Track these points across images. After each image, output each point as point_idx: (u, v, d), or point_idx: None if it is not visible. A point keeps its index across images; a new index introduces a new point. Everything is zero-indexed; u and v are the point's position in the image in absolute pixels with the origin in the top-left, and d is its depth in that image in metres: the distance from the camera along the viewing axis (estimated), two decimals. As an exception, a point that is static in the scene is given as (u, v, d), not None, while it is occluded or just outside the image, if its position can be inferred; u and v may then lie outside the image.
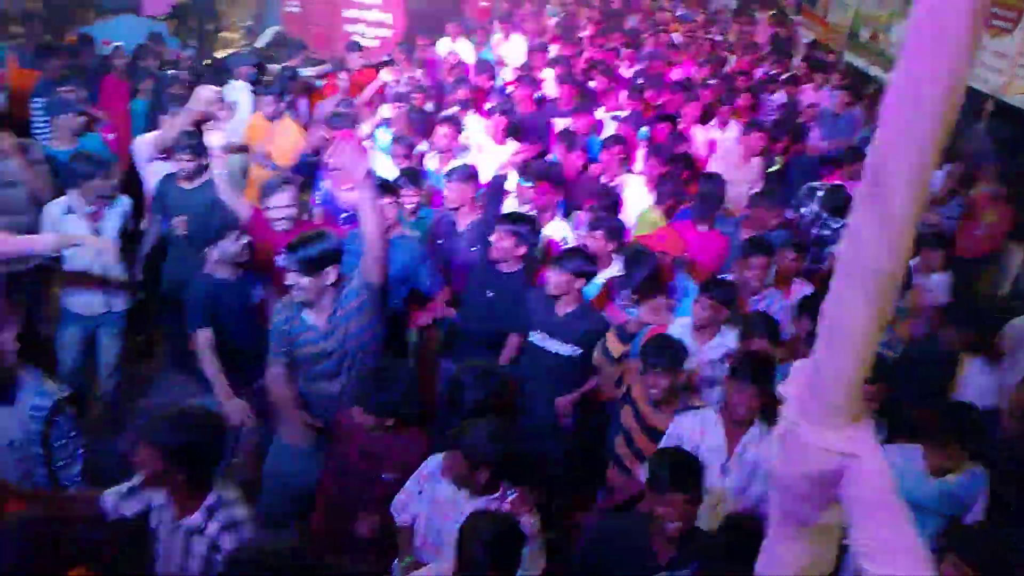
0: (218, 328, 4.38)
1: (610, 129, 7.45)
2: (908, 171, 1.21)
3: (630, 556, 3.23)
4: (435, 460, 3.43)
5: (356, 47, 8.89)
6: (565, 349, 4.40)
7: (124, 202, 5.17)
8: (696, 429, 3.72)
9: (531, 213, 5.35)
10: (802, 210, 6.47)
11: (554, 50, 10.01)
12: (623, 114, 7.87)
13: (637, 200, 6.17)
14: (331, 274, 3.77)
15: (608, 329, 4.31)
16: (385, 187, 4.89)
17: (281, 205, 4.83)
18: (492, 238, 4.72)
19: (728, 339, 4.35)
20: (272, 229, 4.87)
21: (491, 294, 4.77)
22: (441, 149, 6.38)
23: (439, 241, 5.41)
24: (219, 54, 10.37)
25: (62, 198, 5.00)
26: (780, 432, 1.37)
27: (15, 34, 8.90)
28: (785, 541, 1.41)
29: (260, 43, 10.02)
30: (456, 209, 5.34)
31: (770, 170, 7.40)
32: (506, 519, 2.97)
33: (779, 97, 9.96)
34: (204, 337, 4.32)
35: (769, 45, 13.48)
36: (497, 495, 3.28)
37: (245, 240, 4.50)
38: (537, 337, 4.50)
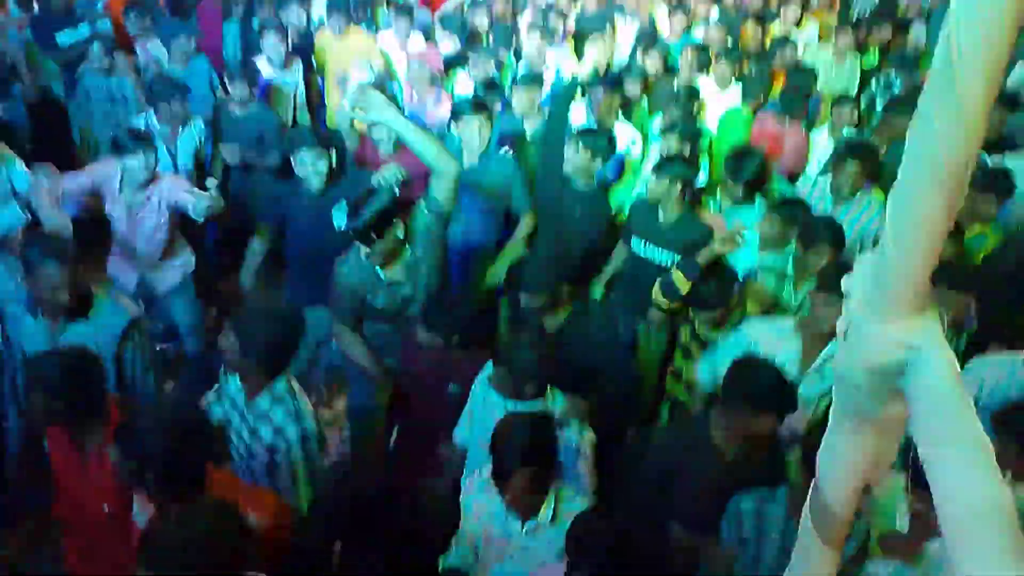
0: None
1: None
2: (982, 57, 1.15)
3: (702, 460, 3.17)
4: (485, 371, 3.52)
5: None
6: (666, 257, 4.44)
7: (199, 126, 5.26)
8: (772, 339, 3.61)
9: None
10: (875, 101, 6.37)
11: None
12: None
13: (718, 101, 6.08)
14: (397, 228, 3.75)
15: (711, 236, 4.25)
16: (477, 105, 4.88)
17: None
18: (566, 152, 4.65)
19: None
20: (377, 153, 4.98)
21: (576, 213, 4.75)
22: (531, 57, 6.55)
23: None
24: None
25: (143, 117, 5.15)
26: (842, 325, 1.33)
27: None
28: (846, 435, 1.38)
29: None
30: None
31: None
32: (538, 417, 2.97)
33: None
34: None
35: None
36: (542, 402, 3.32)
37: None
38: (639, 245, 4.53)
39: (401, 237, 3.78)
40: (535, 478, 2.83)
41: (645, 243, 4.52)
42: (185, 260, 4.93)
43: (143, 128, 5.05)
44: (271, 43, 6.21)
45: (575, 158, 4.66)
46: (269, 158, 5.36)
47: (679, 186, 4.40)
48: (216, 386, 3.34)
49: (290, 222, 4.60)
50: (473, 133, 4.68)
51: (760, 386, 3.03)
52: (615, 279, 4.89)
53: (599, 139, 4.84)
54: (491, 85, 5.90)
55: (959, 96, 1.17)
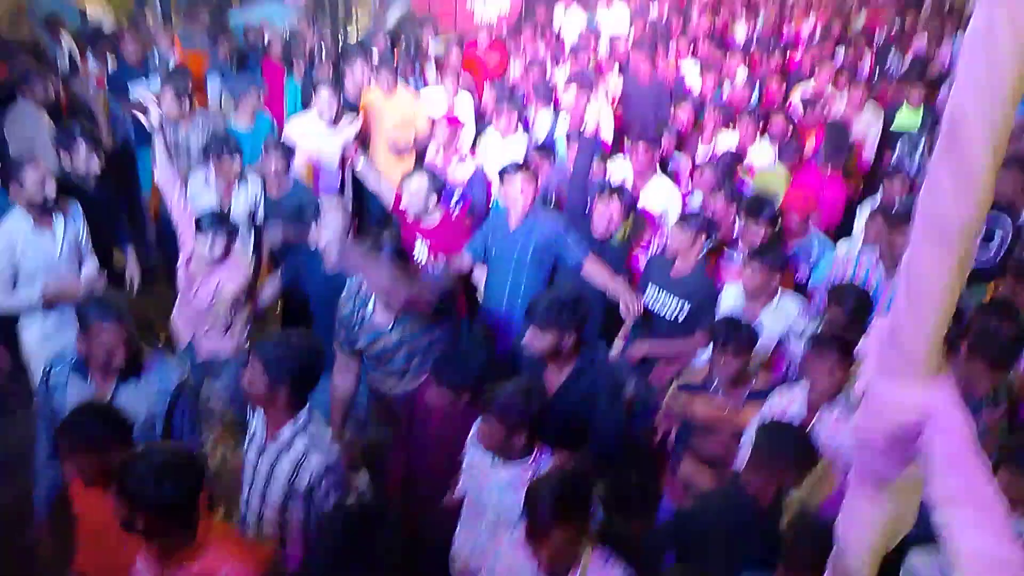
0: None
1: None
2: (986, 119, 1.15)
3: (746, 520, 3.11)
4: (473, 428, 3.36)
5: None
6: (677, 304, 4.49)
7: (255, 182, 5.35)
8: (783, 403, 3.59)
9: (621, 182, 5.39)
10: (904, 161, 6.23)
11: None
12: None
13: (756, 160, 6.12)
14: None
15: (717, 296, 4.45)
16: (518, 164, 4.91)
17: (411, 191, 4.86)
18: (596, 210, 4.67)
19: (789, 307, 4.20)
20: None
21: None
22: (570, 109, 6.55)
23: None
24: (351, 33, 10.65)
25: (201, 170, 5.29)
26: (859, 388, 1.32)
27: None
28: (865, 499, 1.36)
29: (388, 23, 10.16)
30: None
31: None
32: (570, 474, 2.85)
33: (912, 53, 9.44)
34: None
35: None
36: (531, 459, 3.16)
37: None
38: (651, 294, 4.57)
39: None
40: (569, 537, 2.70)
41: (658, 291, 4.55)
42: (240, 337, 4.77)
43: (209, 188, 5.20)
44: (323, 98, 6.23)
45: (603, 211, 4.69)
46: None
47: (701, 238, 4.46)
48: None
49: (312, 289, 4.67)
50: (515, 192, 4.66)
51: (788, 447, 3.04)
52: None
53: (624, 195, 4.88)
54: (542, 147, 6.02)
55: (965, 158, 1.17)
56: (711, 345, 3.73)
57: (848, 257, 4.78)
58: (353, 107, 6.78)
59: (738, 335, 3.63)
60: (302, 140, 6.01)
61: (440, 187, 4.92)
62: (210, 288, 4.61)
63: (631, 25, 9.63)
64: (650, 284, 4.63)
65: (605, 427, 3.58)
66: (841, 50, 9.08)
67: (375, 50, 7.74)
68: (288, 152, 5.50)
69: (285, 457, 3.02)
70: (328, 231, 4.38)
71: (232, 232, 4.51)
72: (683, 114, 6.63)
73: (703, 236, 4.47)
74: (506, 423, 3.05)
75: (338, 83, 6.86)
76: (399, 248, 4.00)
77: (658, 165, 5.86)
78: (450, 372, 3.50)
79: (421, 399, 3.69)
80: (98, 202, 5.03)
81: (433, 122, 6.33)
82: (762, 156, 6.26)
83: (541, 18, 9.90)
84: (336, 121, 6.28)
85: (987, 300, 4.47)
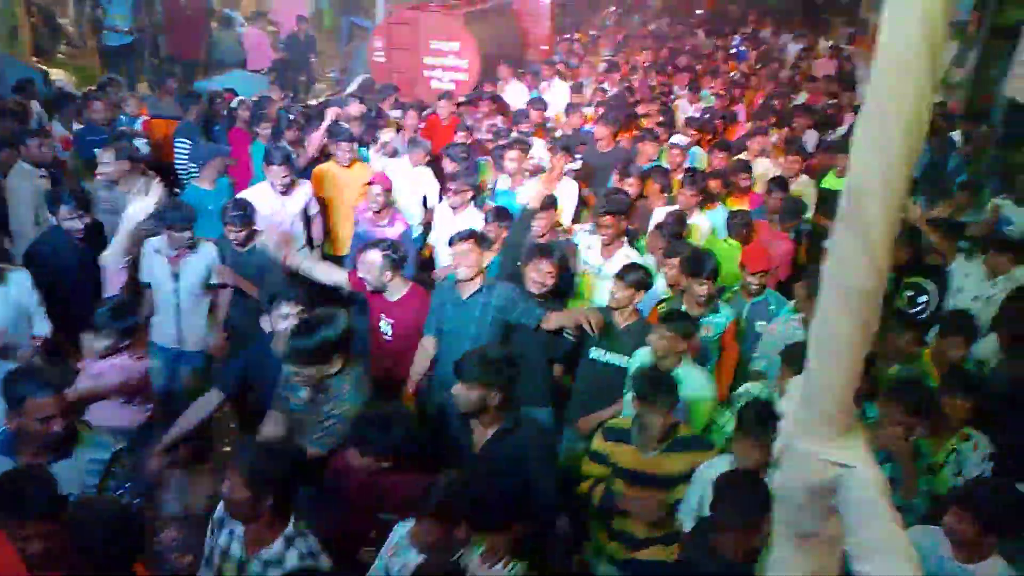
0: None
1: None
2: (883, 191, 1.21)
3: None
4: (401, 529, 3.12)
5: (447, 96, 8.94)
6: (622, 361, 4.41)
7: (210, 251, 5.21)
8: (711, 473, 3.37)
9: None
10: None
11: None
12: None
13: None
14: (336, 363, 3.53)
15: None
16: (469, 233, 4.67)
17: (365, 265, 4.65)
18: (529, 271, 4.53)
19: (690, 377, 4.05)
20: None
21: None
22: (511, 172, 6.48)
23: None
24: (311, 101, 10.77)
25: (156, 238, 5.15)
26: (779, 446, 1.37)
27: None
28: (789, 553, 1.39)
29: (349, 89, 10.30)
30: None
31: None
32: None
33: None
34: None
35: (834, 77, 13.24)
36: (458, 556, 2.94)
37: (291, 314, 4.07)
38: (597, 352, 4.49)
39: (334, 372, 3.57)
40: None
41: (604, 351, 4.49)
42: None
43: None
44: (274, 172, 5.97)
45: (535, 275, 4.52)
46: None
47: (640, 293, 4.49)
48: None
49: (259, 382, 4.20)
50: (467, 260, 4.44)
51: (757, 494, 2.90)
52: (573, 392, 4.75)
53: (555, 253, 4.75)
54: (500, 213, 5.79)
55: (865, 231, 1.22)
56: (634, 396, 3.62)
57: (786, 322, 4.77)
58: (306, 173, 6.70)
59: (660, 389, 3.51)
60: (257, 209, 5.72)
61: (400, 259, 4.70)
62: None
63: (588, 101, 9.72)
64: (593, 343, 4.52)
65: (541, 494, 3.38)
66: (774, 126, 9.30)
67: (334, 118, 7.67)
68: (248, 213, 5.37)
69: (273, 572, 2.78)
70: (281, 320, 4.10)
71: (127, 330, 4.15)
72: (631, 186, 6.63)
73: (640, 291, 4.47)
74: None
75: (301, 148, 6.88)
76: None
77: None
78: (372, 439, 3.24)
79: (341, 462, 3.42)
80: (75, 265, 4.99)
81: (367, 184, 6.05)
82: (703, 224, 6.27)
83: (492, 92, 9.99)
84: (288, 191, 6.11)
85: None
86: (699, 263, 4.70)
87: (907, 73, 1.18)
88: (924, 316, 5.48)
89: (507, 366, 3.40)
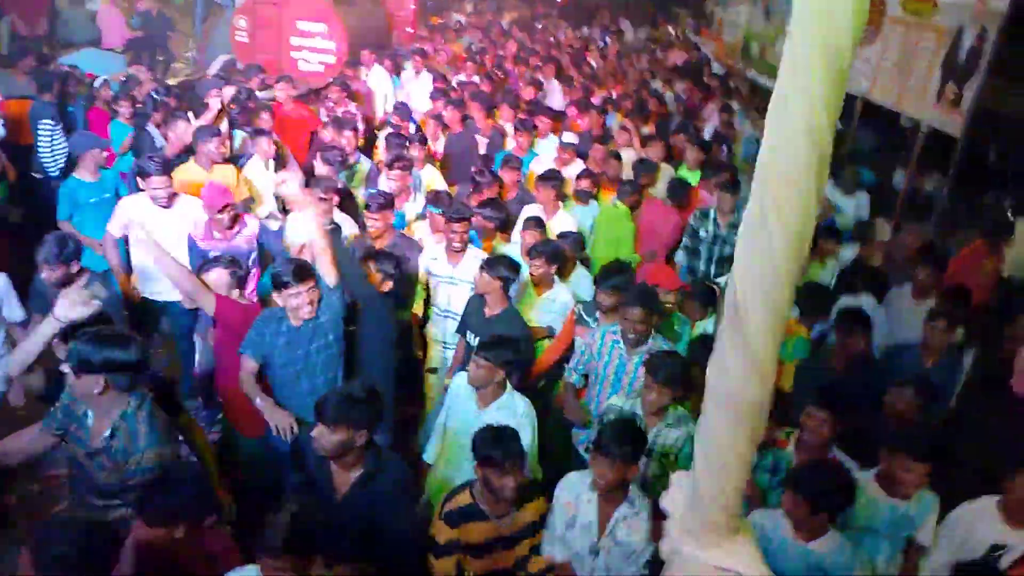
0: None
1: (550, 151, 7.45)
2: (765, 305, 1.23)
3: None
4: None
5: (287, 79, 8.09)
6: None
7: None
8: (572, 499, 3.28)
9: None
10: (700, 233, 6.19)
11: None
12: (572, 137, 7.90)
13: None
14: (100, 381, 2.90)
15: (528, 337, 4.34)
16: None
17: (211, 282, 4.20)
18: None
19: (511, 405, 3.85)
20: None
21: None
22: (395, 191, 5.86)
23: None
24: (170, 81, 10.31)
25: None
26: (666, 549, 1.38)
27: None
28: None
29: (212, 70, 9.93)
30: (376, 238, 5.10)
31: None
32: None
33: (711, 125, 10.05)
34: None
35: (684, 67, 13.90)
36: None
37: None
38: (471, 338, 4.49)
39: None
40: None
41: (474, 336, 4.42)
42: None
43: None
44: (153, 183, 4.99)
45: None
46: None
47: (501, 283, 4.37)
48: None
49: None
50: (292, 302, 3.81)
51: None
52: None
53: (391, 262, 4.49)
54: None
55: (749, 343, 1.22)
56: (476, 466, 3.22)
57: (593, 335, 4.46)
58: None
59: (507, 449, 3.13)
60: (138, 228, 4.71)
61: (243, 276, 4.37)
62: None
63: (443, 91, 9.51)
64: (467, 329, 4.54)
65: (400, 537, 3.16)
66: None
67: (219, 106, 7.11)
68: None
69: None
70: None
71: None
72: (507, 175, 6.59)
73: (502, 280, 4.37)
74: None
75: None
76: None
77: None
78: (156, 504, 2.76)
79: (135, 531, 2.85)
80: None
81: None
82: (562, 223, 5.93)
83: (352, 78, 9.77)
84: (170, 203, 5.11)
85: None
86: (559, 256, 4.81)
87: (790, 185, 1.18)
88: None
89: (372, 403, 3.09)
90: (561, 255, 4.91)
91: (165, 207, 5.06)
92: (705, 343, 4.34)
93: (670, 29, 17.34)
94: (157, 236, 4.60)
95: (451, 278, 5.07)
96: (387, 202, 5.18)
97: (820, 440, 3.45)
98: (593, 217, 6.43)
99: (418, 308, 5.35)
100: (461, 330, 4.69)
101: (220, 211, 4.94)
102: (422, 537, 3.31)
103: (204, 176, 5.77)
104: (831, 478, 3.09)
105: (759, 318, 1.21)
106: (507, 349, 3.79)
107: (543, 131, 7.89)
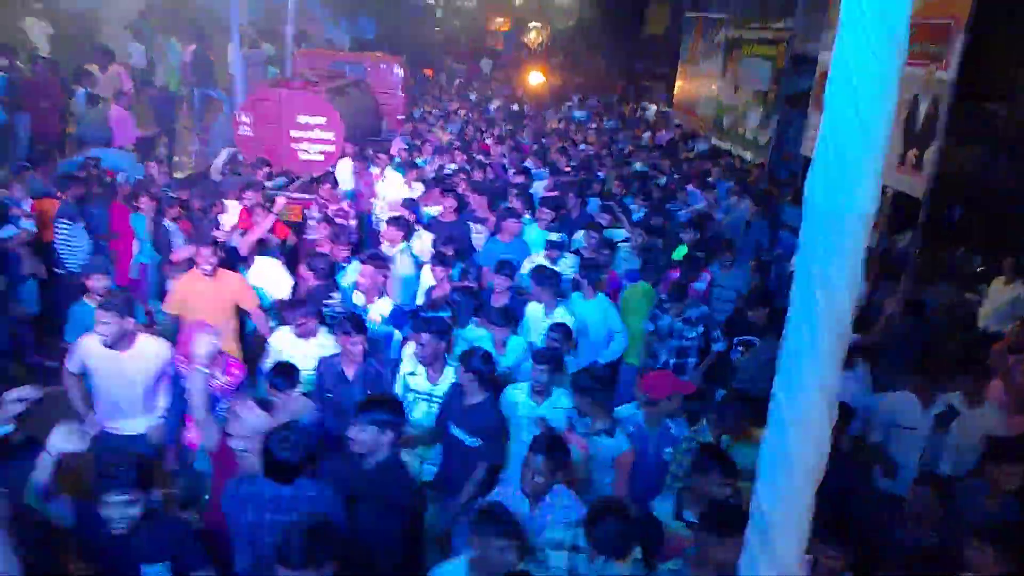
0: None
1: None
2: (793, 525, 1.35)
3: None
4: None
5: (252, 186, 7.80)
6: (467, 439, 4.39)
7: None
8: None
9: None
10: (657, 323, 6.22)
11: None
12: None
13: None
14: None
15: (503, 425, 4.44)
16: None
17: None
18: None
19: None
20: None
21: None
22: (364, 290, 5.82)
23: (328, 394, 4.79)
24: (177, 175, 10.72)
25: None
26: None
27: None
28: None
29: (218, 163, 10.33)
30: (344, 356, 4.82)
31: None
32: None
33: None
34: None
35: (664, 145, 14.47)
36: None
37: None
38: (451, 426, 4.49)
39: None
40: None
41: (455, 425, 4.46)
42: None
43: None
44: (102, 318, 4.47)
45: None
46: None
47: (476, 376, 4.39)
48: None
49: None
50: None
51: None
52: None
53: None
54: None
55: (777, 563, 1.35)
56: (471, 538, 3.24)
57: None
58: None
59: (500, 527, 3.18)
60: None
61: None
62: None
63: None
64: (448, 419, 4.53)
65: None
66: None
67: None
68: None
69: None
70: None
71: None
72: (500, 282, 6.15)
73: (482, 374, 4.42)
74: None
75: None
76: None
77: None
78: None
79: None
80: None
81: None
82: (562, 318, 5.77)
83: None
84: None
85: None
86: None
87: (805, 430, 1.35)
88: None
89: (340, 544, 2.93)
90: (561, 361, 4.90)
91: (111, 347, 4.53)
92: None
93: (648, 105, 18.06)
94: (111, 382, 4.53)
95: (430, 395, 4.80)
96: (357, 325, 4.77)
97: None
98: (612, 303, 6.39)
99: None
100: (441, 418, 4.60)
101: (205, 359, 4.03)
102: None
103: (210, 286, 5.67)
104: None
105: (785, 541, 1.36)
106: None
107: (543, 223, 7.75)
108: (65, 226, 7.15)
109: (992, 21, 7.85)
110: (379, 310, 5.86)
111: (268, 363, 5.06)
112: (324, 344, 5.18)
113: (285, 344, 5.24)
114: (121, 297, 4.77)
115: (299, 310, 5.26)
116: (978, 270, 8.72)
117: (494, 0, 32.63)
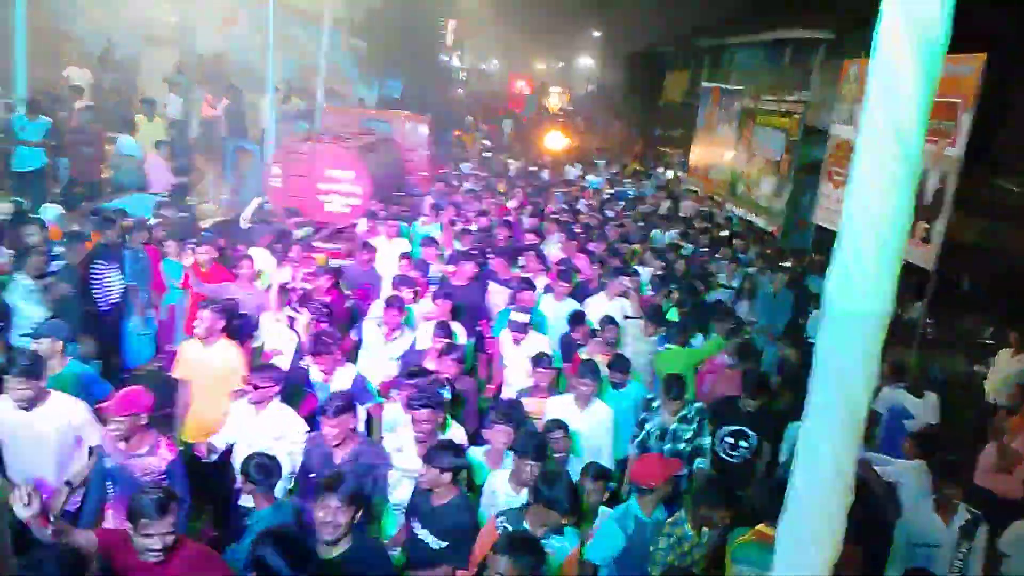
0: None
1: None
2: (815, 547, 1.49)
3: None
4: None
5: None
6: (433, 541, 3.95)
7: None
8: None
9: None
10: (647, 426, 5.50)
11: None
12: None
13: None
14: None
15: (477, 528, 3.95)
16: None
17: None
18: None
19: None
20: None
21: None
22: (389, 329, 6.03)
23: (311, 475, 4.40)
24: (203, 223, 10.94)
25: None
26: None
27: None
28: None
29: (247, 213, 10.52)
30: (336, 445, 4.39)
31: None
32: None
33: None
34: None
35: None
36: None
37: None
38: (416, 526, 4.07)
39: None
40: None
41: (421, 526, 4.01)
42: None
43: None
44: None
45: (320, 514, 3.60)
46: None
47: (448, 475, 3.94)
48: None
49: None
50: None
51: None
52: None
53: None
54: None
55: None
56: None
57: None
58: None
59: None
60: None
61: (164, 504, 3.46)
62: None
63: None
64: (416, 518, 4.07)
65: None
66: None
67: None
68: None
69: None
70: None
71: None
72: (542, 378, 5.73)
73: (446, 473, 3.93)
74: None
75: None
76: None
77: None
78: None
79: None
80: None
81: None
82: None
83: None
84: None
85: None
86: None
87: (822, 511, 1.47)
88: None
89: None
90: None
91: (25, 409, 4.34)
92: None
93: (663, 171, 18.20)
94: (19, 444, 4.37)
95: (415, 474, 4.31)
96: (345, 405, 4.42)
97: None
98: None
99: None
100: (407, 516, 4.27)
101: (123, 417, 3.93)
102: None
103: (206, 354, 5.37)
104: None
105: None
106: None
107: (559, 294, 7.49)
108: (99, 267, 7.31)
109: (999, 100, 8.00)
110: (339, 382, 5.42)
111: (225, 432, 4.87)
112: (276, 418, 4.78)
113: (240, 413, 4.88)
114: (33, 360, 4.41)
115: (263, 373, 4.85)
116: (987, 342, 8.70)
117: (517, 64, 33.34)
